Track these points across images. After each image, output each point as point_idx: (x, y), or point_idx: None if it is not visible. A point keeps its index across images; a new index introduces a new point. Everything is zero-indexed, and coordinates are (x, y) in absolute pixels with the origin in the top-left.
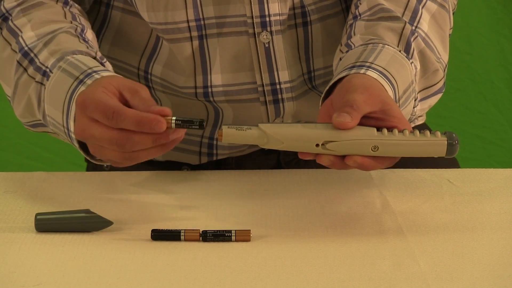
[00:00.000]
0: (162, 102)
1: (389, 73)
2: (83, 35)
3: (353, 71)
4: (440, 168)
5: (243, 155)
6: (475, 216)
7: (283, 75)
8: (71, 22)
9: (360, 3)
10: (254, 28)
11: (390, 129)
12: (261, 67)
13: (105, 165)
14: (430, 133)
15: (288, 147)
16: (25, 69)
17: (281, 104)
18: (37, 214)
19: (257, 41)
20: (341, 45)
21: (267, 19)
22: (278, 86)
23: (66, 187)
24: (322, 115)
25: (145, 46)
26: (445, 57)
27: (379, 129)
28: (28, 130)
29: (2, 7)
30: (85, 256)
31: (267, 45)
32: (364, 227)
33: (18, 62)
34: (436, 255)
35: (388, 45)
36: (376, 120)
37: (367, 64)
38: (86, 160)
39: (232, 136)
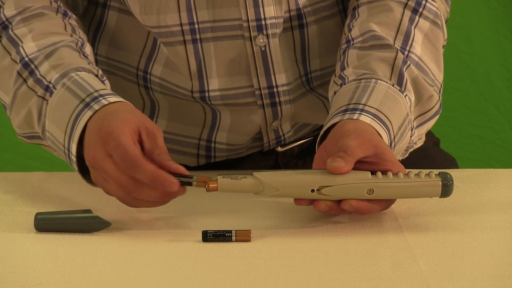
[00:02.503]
0: (160, 103)
1: (383, 113)
2: (83, 50)
3: (346, 116)
4: (440, 168)
5: (241, 157)
6: (475, 216)
7: (280, 78)
8: (71, 35)
9: (353, 26)
10: (250, 32)
11: (384, 172)
12: (258, 71)
13: None
14: (425, 174)
15: (284, 193)
16: (25, 80)
17: (278, 107)
18: (37, 214)
19: (253, 45)
20: (335, 75)
21: (263, 22)
22: (275, 89)
23: (66, 187)
24: (316, 161)
25: (144, 46)
26: (439, 76)
27: (373, 172)
28: (21, 140)
29: (2, 14)
30: (85, 256)
31: (263, 49)
32: (364, 227)
33: (18, 72)
34: (436, 255)
35: (381, 80)
36: (369, 165)
37: (360, 107)
38: None
39: (228, 185)
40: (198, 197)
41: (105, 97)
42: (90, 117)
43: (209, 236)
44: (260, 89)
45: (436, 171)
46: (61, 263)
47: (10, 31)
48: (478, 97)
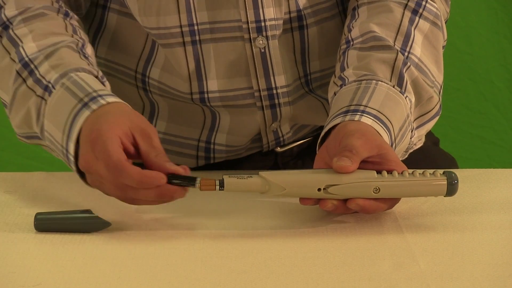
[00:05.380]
0: (159, 105)
1: (384, 115)
2: (84, 51)
3: (348, 117)
4: (440, 168)
5: (240, 158)
6: (475, 216)
7: (280, 79)
8: (72, 36)
9: (353, 27)
10: (249, 33)
11: (389, 171)
12: (257, 72)
13: None
14: (430, 173)
15: (290, 193)
16: (24, 80)
17: (278, 109)
18: (37, 214)
19: (253, 47)
20: (335, 76)
21: (263, 24)
22: (274, 91)
23: (66, 187)
24: (317, 162)
25: (143, 49)
26: (439, 78)
27: (378, 172)
28: (21, 140)
29: (3, 15)
30: (85, 256)
31: (263, 50)
32: (364, 227)
33: (17, 72)
34: (436, 255)
35: (382, 81)
36: (373, 164)
37: (361, 108)
38: None
39: (234, 185)
40: (198, 197)
41: (104, 97)
42: (88, 117)
43: (175, 181)
44: (259, 90)
45: (441, 171)
46: (61, 263)
47: (10, 31)
48: (478, 97)
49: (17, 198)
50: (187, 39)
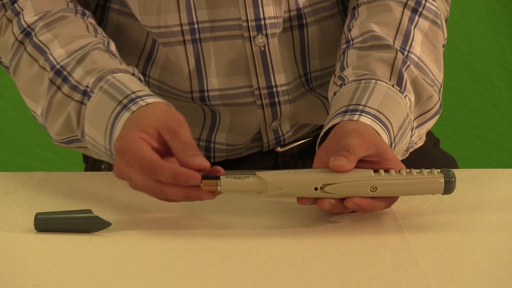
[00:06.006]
0: None
1: (383, 114)
2: (110, 49)
3: (346, 117)
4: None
5: (240, 157)
6: (475, 216)
7: (280, 78)
8: (96, 36)
9: (353, 26)
10: (249, 31)
11: (386, 170)
12: (257, 71)
13: (103, 166)
14: (427, 171)
15: (287, 192)
16: (59, 88)
17: (278, 107)
18: (37, 214)
19: (253, 45)
20: (335, 76)
21: (262, 22)
22: (274, 89)
23: (66, 187)
24: (316, 161)
25: (143, 48)
26: (439, 76)
27: (375, 170)
28: (58, 146)
29: (22, 21)
30: (85, 256)
31: (262, 49)
32: (364, 227)
33: (50, 80)
34: (436, 255)
35: (381, 81)
36: (371, 164)
37: (360, 108)
38: (85, 161)
39: (231, 185)
40: None
41: (143, 98)
42: (128, 118)
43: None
44: (259, 89)
45: (439, 169)
46: (61, 263)
47: (34, 38)
48: (478, 97)
49: (17, 198)
50: (187, 37)
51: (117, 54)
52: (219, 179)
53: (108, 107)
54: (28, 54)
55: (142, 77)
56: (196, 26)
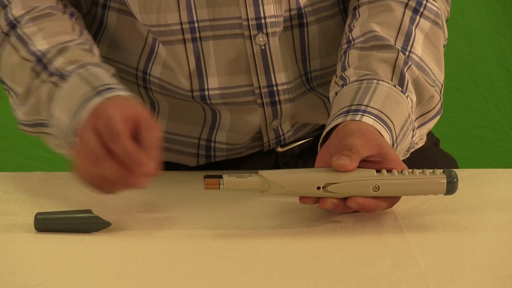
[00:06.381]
0: (160, 103)
1: (385, 114)
2: (93, 51)
3: (349, 117)
4: (440, 168)
5: (241, 157)
6: (475, 216)
7: (280, 77)
8: (80, 37)
9: (354, 27)
10: (249, 30)
11: (388, 170)
12: (258, 70)
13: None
14: (429, 172)
15: (289, 191)
16: (38, 74)
17: (278, 106)
18: (37, 214)
19: (253, 44)
20: (336, 76)
21: (263, 21)
22: (275, 88)
23: (66, 187)
24: (318, 162)
25: (143, 47)
26: (440, 77)
27: (378, 170)
28: (23, 131)
29: (9, 14)
30: (85, 256)
31: (263, 47)
32: (364, 227)
33: (31, 67)
34: (436, 255)
35: (383, 81)
36: (373, 164)
37: (362, 108)
38: None
39: (233, 183)
40: (198, 197)
41: (120, 89)
42: (100, 103)
43: None
44: (259, 87)
45: (441, 170)
46: (61, 263)
47: (18, 30)
48: (478, 97)
49: (17, 198)
50: (187, 36)
51: (100, 57)
52: (222, 177)
53: (81, 90)
54: (11, 45)
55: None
56: (196, 25)
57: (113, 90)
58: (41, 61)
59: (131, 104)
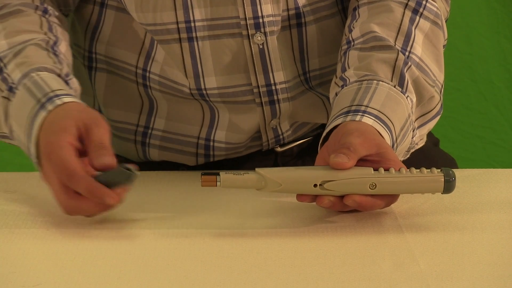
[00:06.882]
0: (159, 102)
1: (385, 115)
2: (54, 48)
3: (349, 118)
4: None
5: (240, 156)
6: (475, 216)
7: (278, 76)
8: (46, 34)
9: (354, 27)
10: (247, 29)
11: (386, 168)
12: (256, 69)
13: None
14: (427, 170)
15: (286, 189)
16: None
17: (277, 105)
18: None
19: (251, 43)
20: (336, 77)
21: (261, 20)
22: (273, 87)
23: None
24: (318, 161)
25: (142, 44)
26: (440, 77)
27: (375, 169)
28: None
29: None
30: (85, 256)
31: (261, 47)
32: (364, 227)
33: None
34: (436, 255)
35: (383, 82)
36: (372, 163)
37: (362, 108)
38: None
39: (230, 181)
40: (198, 196)
41: (60, 97)
42: (45, 118)
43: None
44: (258, 87)
45: (439, 169)
46: (61, 263)
47: None
48: (478, 97)
49: (17, 198)
50: (183, 35)
51: (66, 56)
52: (219, 175)
53: (28, 105)
54: None
55: (72, 80)
56: (192, 24)
57: (53, 99)
58: None
59: (69, 120)
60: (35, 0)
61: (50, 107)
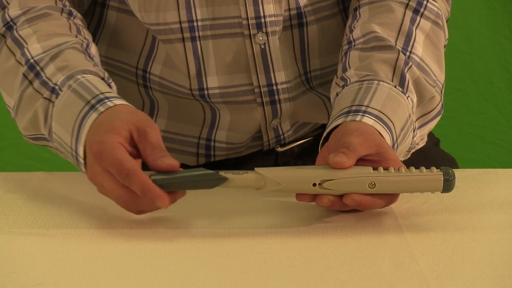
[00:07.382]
0: (159, 102)
1: (385, 115)
2: (88, 51)
3: (349, 118)
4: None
5: (241, 156)
6: (475, 216)
7: (280, 76)
8: (77, 36)
9: (354, 27)
10: (249, 29)
11: (385, 168)
12: (257, 69)
13: None
14: (426, 169)
15: (285, 188)
16: (31, 82)
17: (278, 105)
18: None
19: (253, 43)
20: (337, 77)
21: (262, 20)
22: (274, 87)
23: (66, 187)
24: (319, 161)
25: (143, 45)
26: (441, 77)
27: (375, 168)
28: (27, 141)
29: (6, 15)
30: (85, 256)
31: (262, 47)
32: (364, 227)
33: (23, 74)
34: (436, 255)
35: (383, 82)
36: (372, 163)
37: (363, 108)
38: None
39: (229, 180)
40: (198, 196)
41: (110, 99)
42: (95, 119)
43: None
44: (259, 87)
45: (438, 168)
46: (61, 263)
47: (14, 32)
48: (478, 97)
49: (17, 198)
50: (187, 35)
51: (96, 58)
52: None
53: (76, 106)
54: (7, 47)
55: (112, 83)
56: (195, 24)
57: (104, 101)
58: (34, 69)
59: (120, 121)
60: (58, 2)
61: (101, 108)
